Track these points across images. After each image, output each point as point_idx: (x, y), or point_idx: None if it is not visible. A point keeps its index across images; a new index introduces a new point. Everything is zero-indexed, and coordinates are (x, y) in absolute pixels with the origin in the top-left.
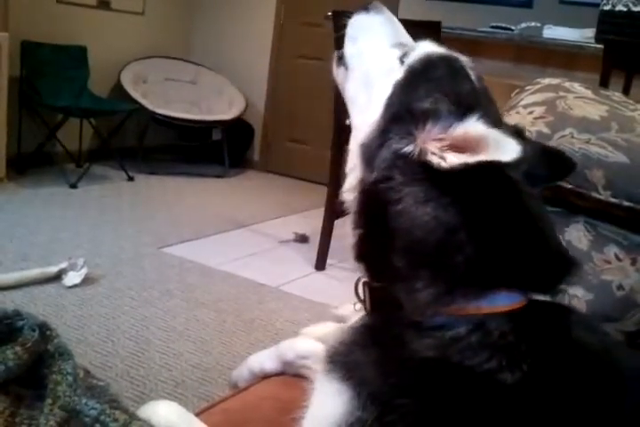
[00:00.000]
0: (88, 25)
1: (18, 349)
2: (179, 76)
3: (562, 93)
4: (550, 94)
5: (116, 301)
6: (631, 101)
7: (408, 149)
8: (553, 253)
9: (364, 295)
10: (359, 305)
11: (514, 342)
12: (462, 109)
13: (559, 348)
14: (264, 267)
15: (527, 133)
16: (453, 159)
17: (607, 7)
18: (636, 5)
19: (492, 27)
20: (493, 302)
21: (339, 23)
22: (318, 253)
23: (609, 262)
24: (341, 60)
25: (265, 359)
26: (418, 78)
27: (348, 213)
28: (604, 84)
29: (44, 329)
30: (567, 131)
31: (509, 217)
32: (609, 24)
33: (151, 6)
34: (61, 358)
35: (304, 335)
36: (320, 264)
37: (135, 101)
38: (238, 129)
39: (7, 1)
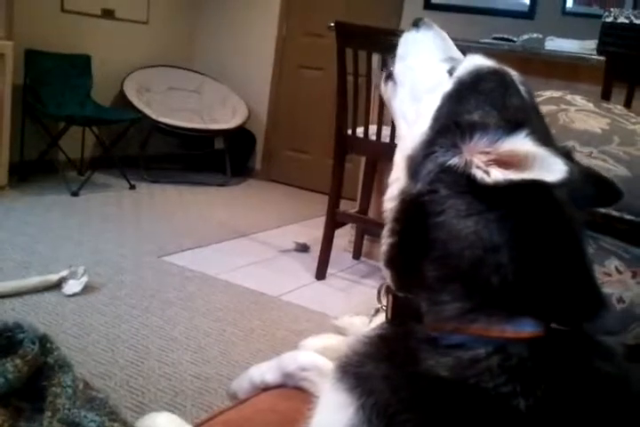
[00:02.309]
0: (92, 34)
1: (18, 361)
2: (182, 85)
3: (563, 106)
4: (552, 107)
5: (116, 309)
6: (633, 114)
7: (453, 161)
8: (588, 290)
9: (387, 303)
10: (375, 311)
11: (531, 368)
12: (511, 124)
13: (576, 377)
14: (264, 276)
15: None
16: (497, 175)
17: (609, 19)
18: (637, 18)
19: (495, 38)
20: (518, 328)
21: (341, 34)
22: (319, 263)
23: (609, 275)
24: (390, 77)
25: (266, 371)
26: (467, 90)
27: (385, 222)
28: (606, 96)
29: (44, 342)
30: (569, 144)
31: (553, 243)
32: (611, 36)
33: (155, 15)
34: (61, 371)
35: (303, 347)
36: (320, 274)
37: (138, 110)
38: (240, 138)
39: (12, 9)
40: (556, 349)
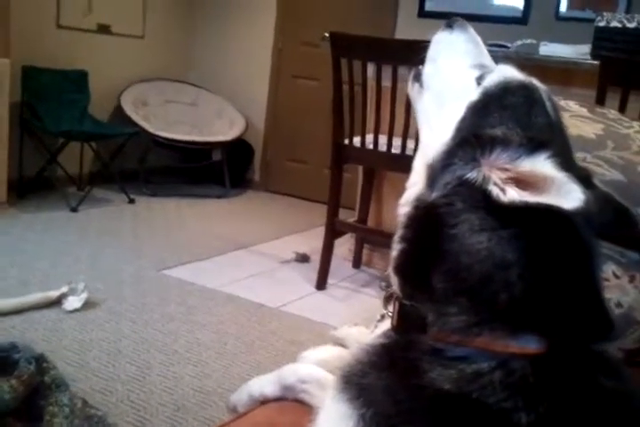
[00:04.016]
0: (88, 49)
1: (13, 382)
2: (179, 98)
3: None
4: None
5: (116, 324)
6: (626, 119)
7: (471, 175)
8: (596, 313)
9: (393, 310)
10: (381, 317)
11: (534, 384)
12: (533, 144)
13: (580, 393)
14: (265, 288)
15: None
16: (514, 194)
17: (602, 23)
18: (630, 21)
19: (489, 44)
20: (522, 343)
21: (338, 44)
22: (319, 273)
23: (607, 280)
24: (418, 77)
25: (265, 384)
26: (493, 103)
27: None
28: (601, 100)
29: (40, 361)
30: None
31: (563, 264)
32: (604, 40)
33: (151, 30)
34: (58, 390)
35: (303, 359)
36: (321, 284)
37: (136, 124)
38: (238, 149)
39: (8, 26)
40: (560, 365)
